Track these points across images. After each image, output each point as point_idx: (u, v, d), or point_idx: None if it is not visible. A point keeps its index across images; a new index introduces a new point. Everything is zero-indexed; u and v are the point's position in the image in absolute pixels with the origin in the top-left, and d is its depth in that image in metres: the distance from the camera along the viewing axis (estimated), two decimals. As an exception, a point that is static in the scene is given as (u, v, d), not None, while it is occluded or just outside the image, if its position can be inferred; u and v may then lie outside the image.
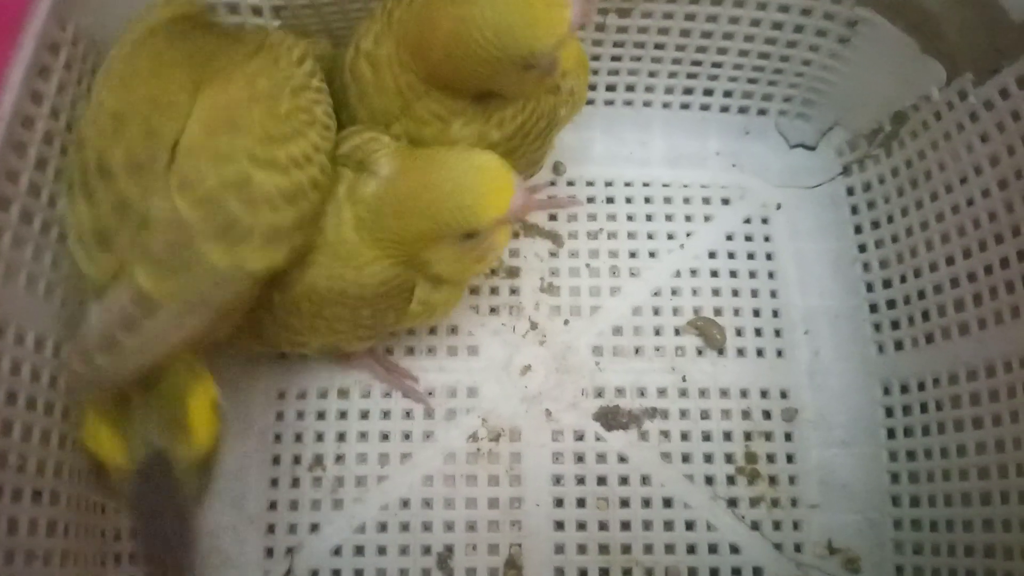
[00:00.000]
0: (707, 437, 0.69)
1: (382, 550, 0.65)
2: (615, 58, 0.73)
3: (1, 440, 0.49)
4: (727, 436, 0.69)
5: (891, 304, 0.70)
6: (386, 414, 0.68)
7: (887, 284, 0.71)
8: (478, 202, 0.50)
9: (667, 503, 0.67)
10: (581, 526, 0.66)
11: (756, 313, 0.73)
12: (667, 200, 0.76)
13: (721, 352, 0.71)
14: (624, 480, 0.67)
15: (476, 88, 0.54)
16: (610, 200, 0.76)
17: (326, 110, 0.55)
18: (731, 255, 0.74)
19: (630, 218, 0.75)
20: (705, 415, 0.69)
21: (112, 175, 0.47)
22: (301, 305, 0.55)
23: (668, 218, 0.75)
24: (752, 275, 0.74)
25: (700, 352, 0.71)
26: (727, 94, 0.76)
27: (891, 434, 0.69)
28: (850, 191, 0.75)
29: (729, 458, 0.68)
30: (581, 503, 0.67)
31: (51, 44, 0.54)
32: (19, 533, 0.49)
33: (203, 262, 0.46)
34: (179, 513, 0.47)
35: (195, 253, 0.46)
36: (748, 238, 0.75)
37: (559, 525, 0.66)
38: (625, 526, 0.66)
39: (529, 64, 0.49)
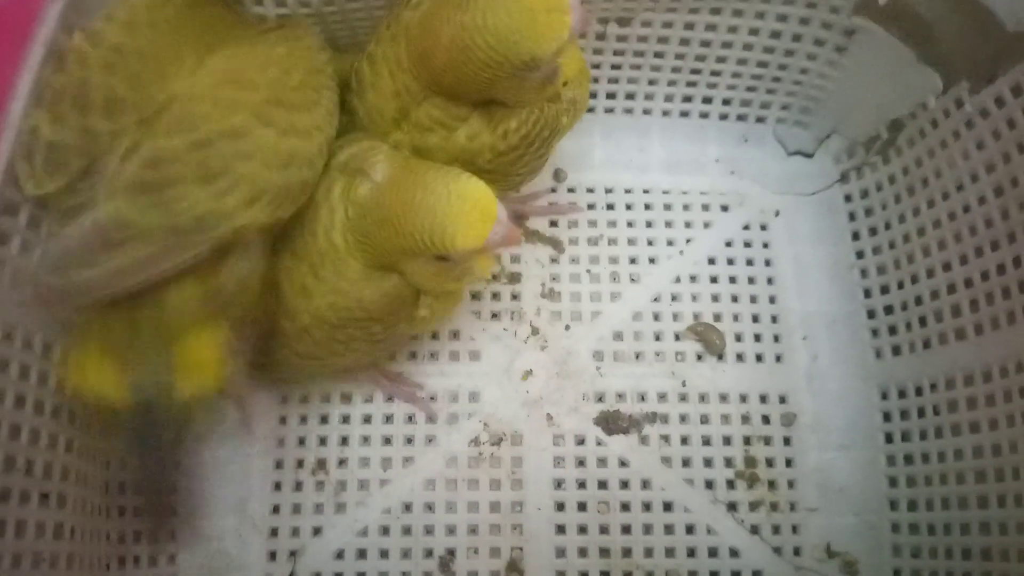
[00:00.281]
0: (707, 441, 0.69)
1: (384, 553, 0.66)
2: (615, 66, 0.74)
3: (9, 444, 0.49)
4: (727, 440, 0.69)
5: (889, 310, 0.71)
6: (388, 418, 0.69)
7: (885, 290, 0.72)
8: (452, 230, 0.49)
9: (667, 507, 0.67)
10: (582, 530, 0.67)
11: (755, 318, 0.73)
12: (667, 207, 0.77)
13: (721, 357, 0.72)
14: (625, 484, 0.68)
15: (478, 95, 0.54)
16: (610, 207, 0.77)
17: (333, 99, 0.56)
18: (730, 261, 0.75)
19: (630, 224, 0.76)
20: (705, 420, 0.70)
21: (89, 105, 0.48)
22: (313, 333, 0.56)
23: (668, 224, 0.76)
24: (751, 281, 0.74)
25: (700, 357, 0.72)
26: (726, 102, 0.77)
27: (889, 438, 0.69)
28: (848, 198, 0.76)
29: (729, 462, 0.69)
30: (582, 507, 0.67)
31: (59, 52, 0.54)
32: (26, 536, 0.49)
33: (184, 204, 0.47)
34: (176, 449, 0.49)
35: (178, 194, 0.47)
36: (747, 244, 0.76)
37: (560, 529, 0.67)
38: (626, 530, 0.67)
39: (530, 70, 0.50)
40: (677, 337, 0.72)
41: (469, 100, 0.55)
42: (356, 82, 0.58)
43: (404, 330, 0.59)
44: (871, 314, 0.73)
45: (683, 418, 0.70)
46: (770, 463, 0.69)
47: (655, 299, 0.74)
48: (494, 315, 0.73)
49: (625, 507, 0.67)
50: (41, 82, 0.51)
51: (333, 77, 0.57)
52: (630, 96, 0.77)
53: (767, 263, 0.75)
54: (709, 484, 0.68)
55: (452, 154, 0.56)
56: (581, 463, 0.68)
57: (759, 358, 0.72)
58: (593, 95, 0.77)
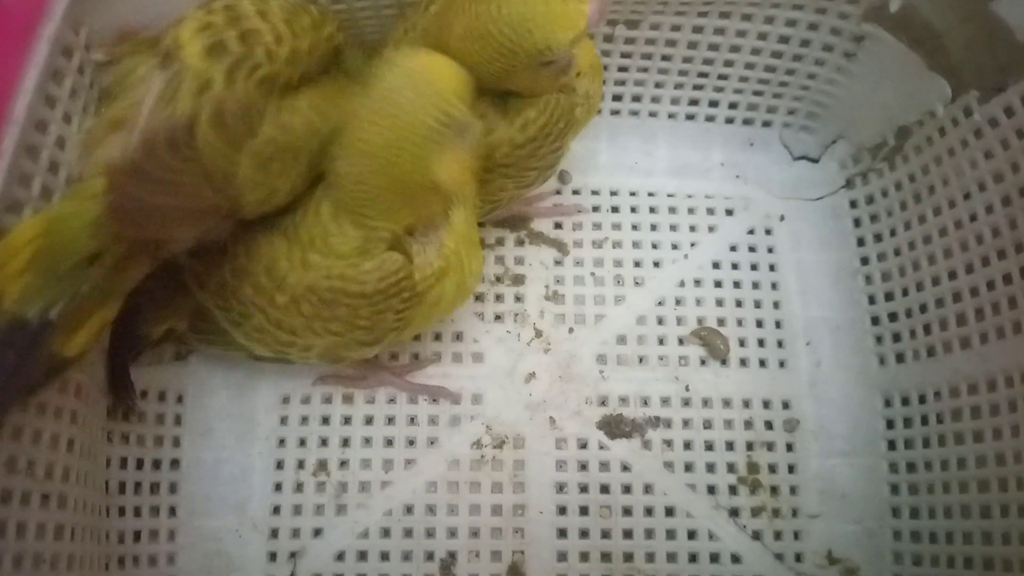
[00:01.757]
0: (710, 447, 0.69)
1: (385, 556, 0.65)
2: (622, 68, 0.74)
3: (12, 445, 0.49)
4: (729, 446, 0.69)
5: (893, 317, 0.71)
6: (390, 420, 0.69)
7: (889, 297, 0.72)
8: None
9: (669, 512, 0.67)
10: (584, 534, 0.67)
11: (759, 324, 0.73)
12: (671, 210, 0.77)
13: (724, 362, 0.72)
14: (627, 489, 0.68)
15: (492, 86, 0.54)
16: (615, 209, 0.76)
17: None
18: (735, 266, 0.75)
19: (635, 227, 0.76)
20: (708, 425, 0.70)
21: None
22: (302, 306, 0.55)
23: (672, 228, 0.76)
24: (755, 286, 0.74)
25: (703, 362, 0.72)
26: (732, 106, 0.77)
27: (891, 445, 0.69)
28: (853, 204, 0.76)
29: (731, 468, 0.69)
30: (584, 511, 0.67)
31: (64, 48, 0.54)
32: (27, 537, 0.49)
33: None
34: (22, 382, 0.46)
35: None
36: (752, 249, 0.76)
37: (562, 533, 0.67)
38: (627, 534, 0.67)
39: (546, 60, 0.50)
40: (681, 341, 0.72)
41: (484, 92, 0.54)
42: None
43: (390, 324, 0.57)
44: (875, 321, 0.73)
45: (686, 423, 0.70)
46: (772, 469, 0.69)
47: (659, 303, 0.73)
48: (497, 317, 0.72)
49: (627, 512, 0.67)
50: (47, 79, 0.51)
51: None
52: (636, 98, 0.77)
53: (771, 268, 0.75)
54: (711, 489, 0.68)
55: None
56: (583, 467, 0.68)
57: (762, 363, 0.72)
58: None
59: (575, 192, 0.77)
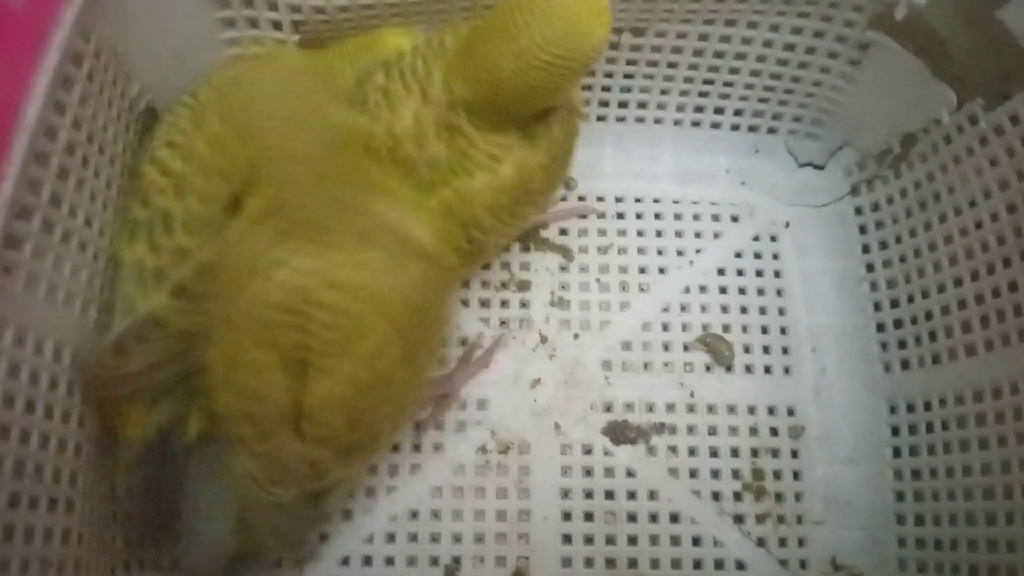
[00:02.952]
0: (714, 453, 0.69)
1: (390, 561, 0.66)
2: (627, 75, 0.74)
3: (19, 448, 0.49)
4: (734, 452, 0.69)
5: (898, 324, 0.71)
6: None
7: (894, 304, 0.72)
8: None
9: (674, 518, 0.67)
10: (588, 540, 0.67)
11: (764, 330, 0.73)
12: (677, 216, 0.77)
13: (729, 369, 0.72)
14: (632, 495, 0.68)
15: (538, 108, 0.54)
16: (620, 216, 0.77)
17: None
18: (740, 272, 0.75)
19: (640, 234, 0.76)
20: (713, 431, 0.70)
21: (172, 229, 0.55)
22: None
23: (678, 234, 0.76)
24: (760, 292, 0.74)
25: (708, 368, 0.72)
26: (738, 112, 0.77)
27: (897, 452, 0.69)
28: (858, 211, 0.76)
29: (736, 474, 0.69)
30: (589, 517, 0.67)
31: (75, 55, 0.54)
32: (34, 542, 0.49)
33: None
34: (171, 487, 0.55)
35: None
36: (757, 255, 0.76)
37: (566, 538, 0.67)
38: (632, 540, 0.67)
39: (592, 63, 0.52)
40: (686, 348, 0.72)
41: (519, 122, 0.55)
42: (391, 147, 0.56)
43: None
44: (880, 327, 0.73)
45: (691, 429, 0.70)
46: (777, 475, 0.69)
47: (664, 309, 0.74)
48: (503, 322, 0.73)
49: (632, 518, 0.67)
50: (57, 86, 0.51)
51: None
52: (642, 105, 0.77)
53: (777, 275, 0.75)
54: (716, 496, 0.68)
55: (501, 189, 0.56)
56: (588, 473, 0.68)
57: (767, 370, 0.72)
58: (605, 104, 0.77)
59: (580, 198, 0.77)
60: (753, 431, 0.70)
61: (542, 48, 0.49)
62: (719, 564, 0.67)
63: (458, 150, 0.55)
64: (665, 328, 0.73)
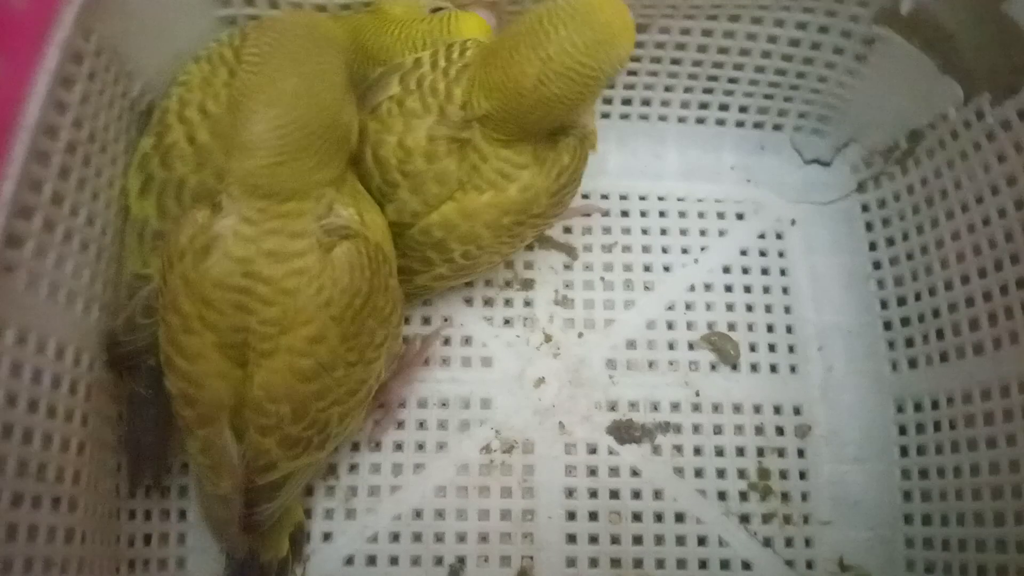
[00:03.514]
0: (720, 452, 0.69)
1: (394, 560, 0.65)
2: (631, 72, 0.74)
3: (22, 448, 0.49)
4: (740, 451, 0.69)
5: (905, 322, 0.70)
6: (400, 424, 0.69)
7: (901, 302, 0.71)
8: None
9: (679, 518, 0.67)
10: (593, 539, 0.66)
11: (770, 328, 0.73)
12: (682, 214, 0.76)
13: (735, 367, 0.71)
14: (637, 494, 0.67)
15: (556, 124, 0.55)
16: (625, 214, 0.76)
17: None
18: (745, 270, 0.75)
19: (645, 232, 0.76)
20: (718, 430, 0.69)
21: (183, 198, 0.57)
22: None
23: (683, 232, 0.76)
24: (766, 290, 0.74)
25: (714, 367, 0.71)
26: (743, 109, 0.77)
27: (904, 452, 0.69)
28: (865, 208, 0.76)
29: (742, 474, 0.68)
30: (593, 516, 0.67)
31: (75, 54, 0.54)
32: (38, 540, 0.49)
33: None
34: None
35: None
36: (762, 253, 0.75)
37: (571, 538, 0.66)
38: (637, 540, 0.66)
39: (615, 75, 0.52)
40: (691, 346, 0.72)
41: (534, 139, 0.55)
42: (405, 176, 0.56)
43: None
44: (887, 326, 0.72)
45: (696, 428, 0.69)
46: (783, 475, 0.68)
47: (669, 307, 0.73)
48: (507, 321, 0.72)
49: (637, 517, 0.67)
50: (58, 85, 0.51)
51: None
52: (646, 102, 0.77)
53: (783, 272, 0.75)
54: (722, 495, 0.68)
55: (504, 209, 0.56)
56: (593, 472, 0.68)
57: (773, 369, 0.72)
58: (608, 101, 0.76)
59: (585, 196, 0.76)
60: (759, 430, 0.70)
61: (570, 56, 0.49)
62: (725, 564, 0.66)
63: (468, 165, 0.55)
64: (670, 327, 0.73)
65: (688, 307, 0.73)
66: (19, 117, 0.49)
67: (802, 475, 0.69)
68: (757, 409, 0.70)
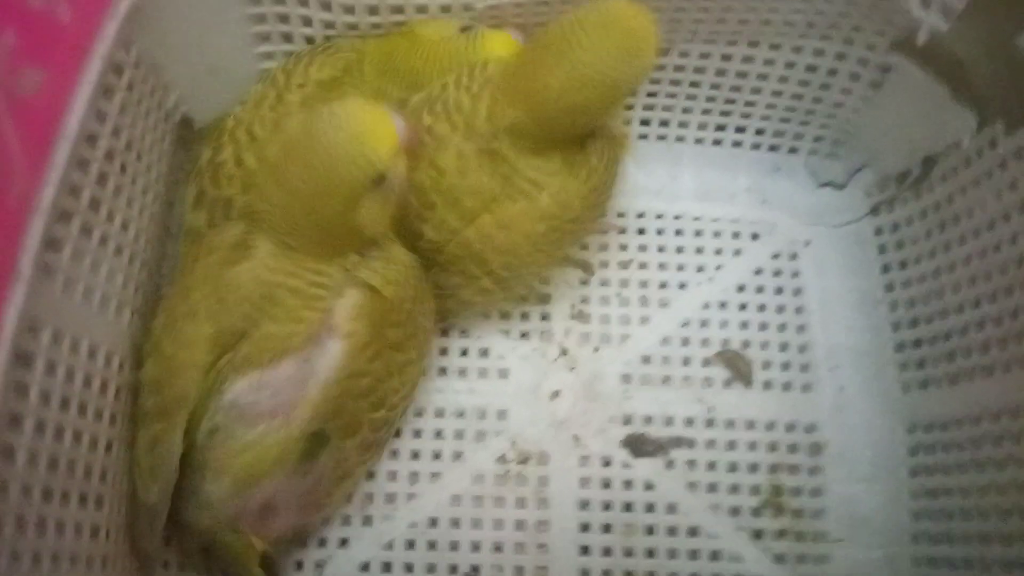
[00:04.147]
0: (733, 468, 0.70)
1: (409, 567, 0.66)
2: (650, 94, 0.75)
3: (54, 445, 0.50)
4: (753, 468, 0.70)
5: (917, 344, 0.71)
6: (417, 433, 0.70)
7: (913, 324, 0.72)
8: (368, 144, 0.48)
9: (692, 532, 0.68)
10: (606, 552, 0.67)
11: (783, 347, 0.74)
12: (697, 233, 0.78)
13: (748, 385, 0.72)
14: (650, 508, 0.68)
15: (583, 130, 0.56)
16: (641, 231, 0.77)
17: None
18: (759, 289, 0.76)
19: (660, 249, 0.77)
20: (731, 446, 0.70)
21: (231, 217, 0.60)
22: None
23: (698, 251, 0.77)
24: (780, 310, 0.75)
25: (727, 384, 0.72)
26: (759, 132, 0.78)
27: (914, 472, 0.69)
28: (878, 231, 0.77)
29: (755, 490, 0.69)
30: (607, 528, 0.68)
31: (116, 65, 0.56)
32: (65, 536, 0.50)
33: None
34: None
35: None
36: (776, 273, 0.76)
37: (584, 550, 0.67)
38: (650, 554, 0.67)
39: (639, 84, 0.54)
40: (705, 363, 0.73)
41: (562, 146, 0.56)
42: (435, 178, 0.58)
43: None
44: (899, 348, 0.73)
45: (710, 443, 0.70)
46: (796, 492, 0.69)
47: (684, 324, 0.74)
48: (523, 335, 0.73)
49: (650, 531, 0.68)
50: (98, 95, 0.53)
51: None
52: (664, 123, 0.78)
53: (796, 293, 0.76)
54: (734, 511, 0.68)
55: (538, 217, 0.57)
56: (607, 485, 0.69)
57: (786, 387, 0.73)
58: (627, 121, 0.78)
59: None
60: (772, 447, 0.70)
61: (595, 64, 0.50)
62: (736, 580, 0.67)
63: (500, 176, 0.56)
64: (684, 343, 0.74)
65: (703, 324, 0.74)
66: (61, 126, 0.50)
67: (814, 493, 0.69)
68: (770, 426, 0.71)
